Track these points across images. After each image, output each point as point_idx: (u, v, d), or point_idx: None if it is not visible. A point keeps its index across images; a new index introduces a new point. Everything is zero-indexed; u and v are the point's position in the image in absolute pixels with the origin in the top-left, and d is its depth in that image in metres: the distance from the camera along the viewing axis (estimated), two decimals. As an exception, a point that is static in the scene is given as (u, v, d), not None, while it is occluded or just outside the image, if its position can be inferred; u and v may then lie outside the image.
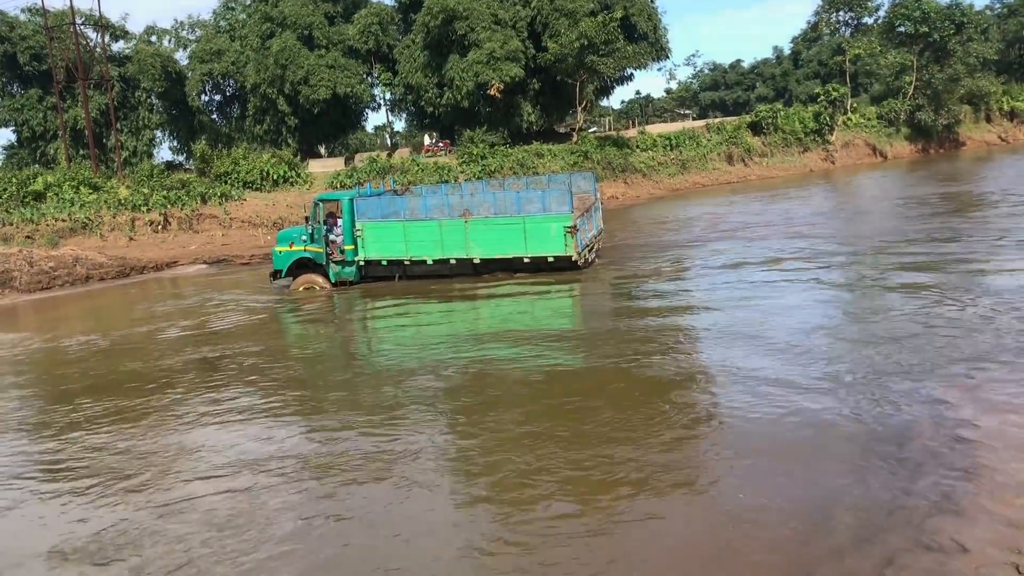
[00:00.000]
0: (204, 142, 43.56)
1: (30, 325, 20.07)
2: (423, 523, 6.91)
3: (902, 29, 55.68)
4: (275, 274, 19.79)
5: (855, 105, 58.45)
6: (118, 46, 54.19)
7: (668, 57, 49.39)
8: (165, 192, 32.30)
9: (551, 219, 17.79)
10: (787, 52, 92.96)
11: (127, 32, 54.77)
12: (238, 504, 7.47)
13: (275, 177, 36.63)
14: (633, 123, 71.34)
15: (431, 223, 18.60)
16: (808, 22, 79.92)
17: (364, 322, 17.14)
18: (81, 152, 47.31)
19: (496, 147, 41.84)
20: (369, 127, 79.31)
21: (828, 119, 52.25)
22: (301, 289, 19.50)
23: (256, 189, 35.73)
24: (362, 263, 19.22)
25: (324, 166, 42.65)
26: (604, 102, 66.73)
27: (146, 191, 32.36)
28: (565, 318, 15.73)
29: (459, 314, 16.42)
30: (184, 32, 57.54)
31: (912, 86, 55.88)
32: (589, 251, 19.05)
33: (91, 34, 48.32)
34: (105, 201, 31.29)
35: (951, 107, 55.78)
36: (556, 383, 10.47)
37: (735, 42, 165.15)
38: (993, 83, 61.46)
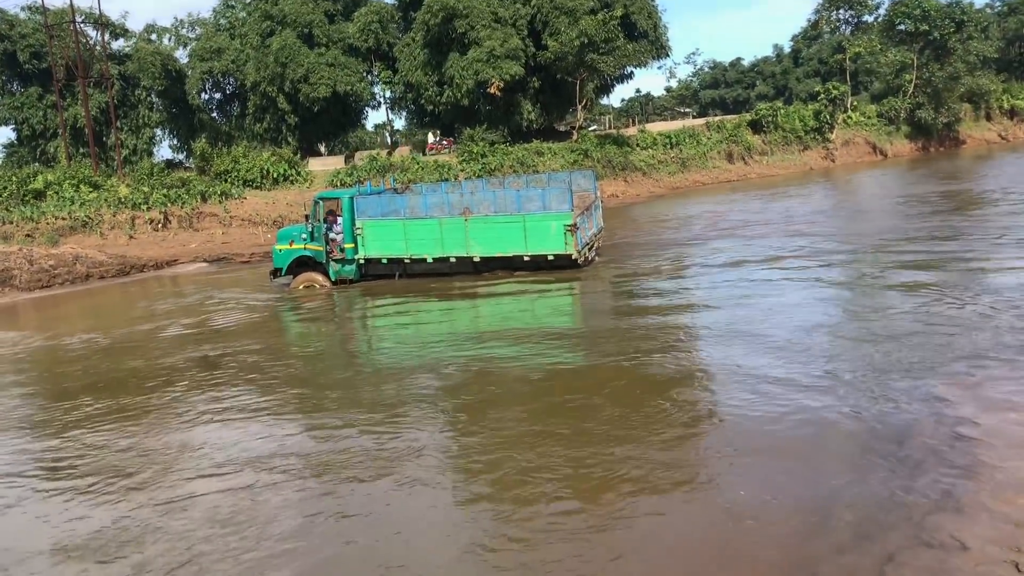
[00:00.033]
0: (204, 140, 43.59)
1: (31, 323, 20.08)
2: (425, 520, 6.93)
3: (902, 27, 55.69)
4: (275, 272, 19.80)
5: (855, 103, 58.48)
6: (118, 44, 54.31)
7: (668, 55, 49.50)
8: (165, 190, 32.29)
9: (551, 217, 17.80)
10: (787, 50, 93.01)
11: (127, 30, 54.81)
12: (240, 502, 7.48)
13: (275, 175, 36.63)
14: (633, 121, 71.41)
15: (431, 221, 18.61)
16: (808, 20, 79.71)
17: (364, 320, 17.15)
18: (81, 150, 47.31)
19: (496, 145, 41.86)
20: (369, 125, 79.49)
21: (828, 117, 52.26)
22: (301, 287, 19.50)
23: (256, 187, 35.73)
24: (362, 261, 19.22)
25: (324, 164, 42.65)
26: (604, 100, 66.76)
27: (146, 189, 32.35)
28: (565, 316, 15.74)
29: (459, 312, 16.43)
30: (184, 30, 57.67)
31: (912, 84, 55.88)
32: (589, 249, 19.05)
33: (91, 32, 48.30)
34: (105, 199, 31.28)
35: (951, 105, 55.80)
36: (557, 381, 10.48)
37: (735, 40, 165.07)
38: (993, 81, 61.50)
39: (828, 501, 6.55)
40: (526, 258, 18.16)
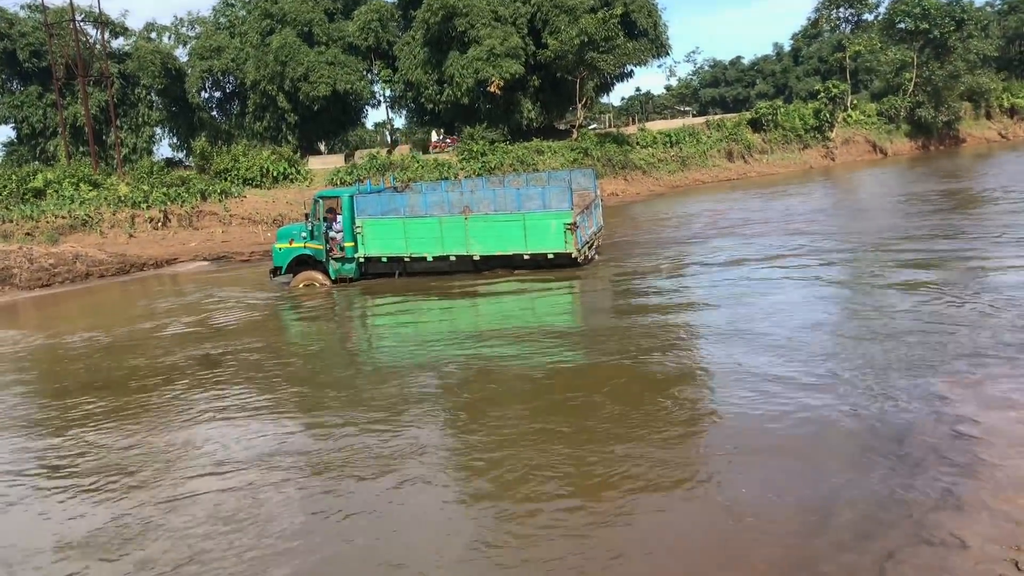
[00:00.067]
0: (204, 139, 43.57)
1: (31, 322, 20.09)
2: (426, 518, 6.94)
3: (902, 25, 55.69)
4: (275, 271, 19.80)
5: (855, 102, 58.47)
6: (118, 43, 54.33)
7: (668, 54, 49.49)
8: (165, 189, 32.28)
9: (551, 216, 17.80)
10: (787, 49, 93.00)
11: (127, 29, 54.86)
12: (241, 500, 7.49)
13: (275, 174, 36.62)
14: (633, 120, 71.41)
15: (431, 220, 18.61)
16: (808, 19, 79.75)
17: (364, 319, 17.15)
18: (81, 149, 47.32)
19: (496, 144, 41.86)
20: (369, 124, 79.53)
21: (828, 116, 52.27)
22: (301, 286, 19.51)
23: (256, 186, 35.72)
24: (362, 260, 19.23)
25: (324, 163, 42.66)
26: (604, 99, 66.73)
27: (146, 188, 32.34)
28: (566, 315, 15.75)
29: (459, 311, 16.44)
30: (184, 29, 57.68)
31: (912, 83, 55.87)
32: (589, 248, 19.06)
33: (91, 31, 48.29)
34: (105, 198, 31.28)
35: (951, 104, 55.81)
36: (557, 379, 10.49)
37: (735, 38, 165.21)
38: (993, 80, 61.49)
39: (828, 499, 6.56)
40: (526, 257, 18.16)
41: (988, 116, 62.30)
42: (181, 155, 56.88)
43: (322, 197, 19.91)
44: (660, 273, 17.88)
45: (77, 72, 40.90)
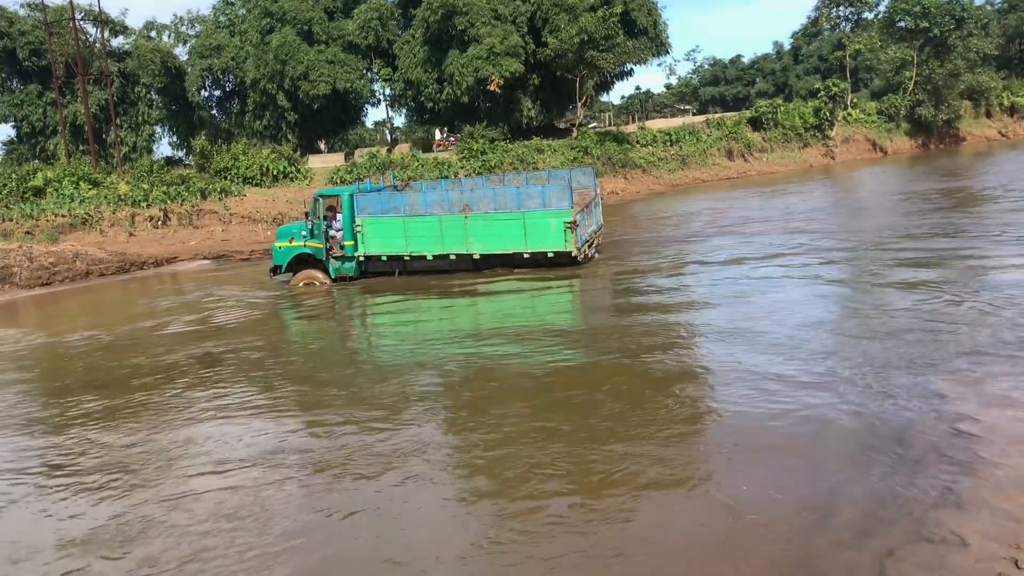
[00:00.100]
0: (204, 137, 43.53)
1: (31, 321, 20.09)
2: (429, 516, 6.95)
3: (902, 24, 55.69)
4: (275, 270, 19.81)
5: (855, 100, 58.45)
6: (118, 41, 54.31)
7: (668, 52, 49.43)
8: (165, 188, 32.29)
9: (551, 215, 17.81)
10: (787, 47, 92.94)
11: (126, 27, 54.81)
12: (243, 498, 7.51)
13: (275, 173, 36.63)
14: (633, 118, 71.39)
15: (431, 219, 18.62)
16: (808, 17, 79.79)
17: (365, 317, 17.16)
18: (81, 148, 47.31)
19: (496, 143, 41.86)
20: (369, 122, 79.43)
21: (828, 114, 52.26)
22: (301, 285, 19.51)
23: (256, 185, 35.72)
24: (362, 258, 19.23)
25: (324, 161, 42.66)
26: (604, 97, 66.76)
27: (146, 187, 32.34)
28: (566, 314, 15.76)
29: (459, 310, 16.45)
30: (184, 27, 57.65)
31: (912, 81, 55.86)
32: (589, 247, 19.07)
33: (91, 29, 48.29)
34: (105, 197, 31.28)
35: (951, 102, 55.80)
36: (558, 378, 10.51)
37: (735, 37, 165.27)
38: (993, 78, 61.50)
39: (829, 497, 6.58)
40: (526, 255, 18.17)
41: (988, 115, 62.31)
42: (181, 154, 56.89)
43: (322, 196, 19.91)
44: (660, 272, 17.89)
45: (77, 71, 40.90)
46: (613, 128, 53.01)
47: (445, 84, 44.21)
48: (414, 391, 10.59)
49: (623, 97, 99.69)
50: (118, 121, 47.10)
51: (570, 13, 42.71)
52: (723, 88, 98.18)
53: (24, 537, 7.24)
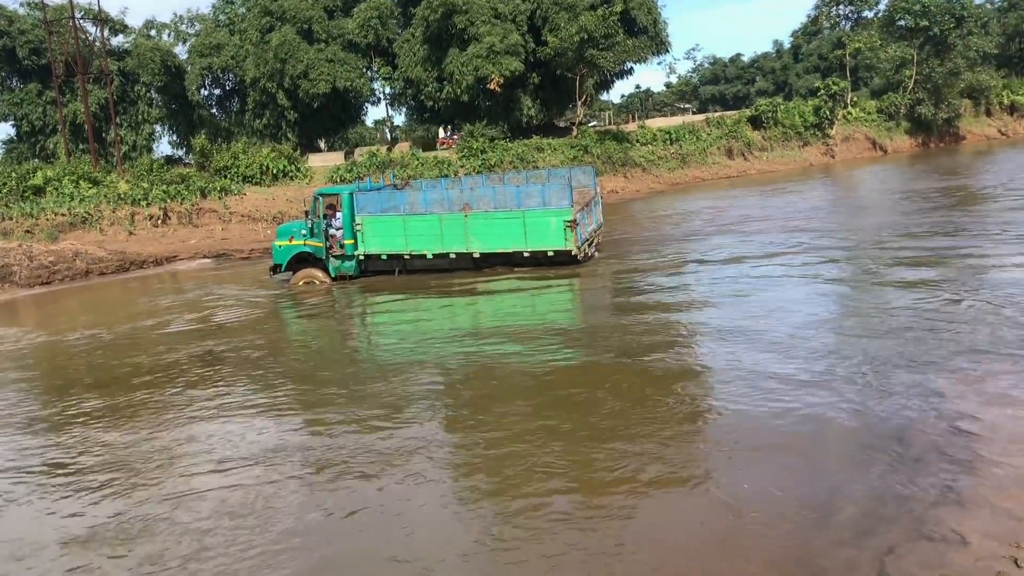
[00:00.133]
0: (204, 136, 43.48)
1: (31, 319, 20.10)
2: (431, 514, 6.97)
3: (902, 23, 55.65)
4: (275, 268, 19.82)
5: (855, 99, 58.42)
6: (117, 40, 54.20)
7: (668, 51, 49.37)
8: (165, 186, 32.29)
9: (551, 213, 17.83)
10: (787, 46, 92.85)
11: (126, 26, 54.71)
12: (245, 496, 7.52)
13: (275, 171, 36.62)
14: (633, 117, 71.36)
15: (431, 217, 18.63)
16: (808, 16, 79.78)
17: (365, 316, 17.17)
18: (80, 146, 47.27)
19: (496, 141, 41.85)
20: (369, 121, 79.29)
21: (828, 113, 52.23)
22: (301, 283, 19.52)
23: (256, 183, 35.72)
24: (362, 257, 19.24)
25: (324, 160, 42.63)
26: (604, 96, 66.74)
27: (146, 185, 32.34)
28: (566, 312, 15.77)
29: (459, 309, 16.46)
30: (183, 26, 57.56)
31: (912, 80, 55.85)
32: (589, 245, 19.08)
33: (90, 28, 48.23)
34: (105, 195, 31.28)
35: (951, 101, 55.79)
36: (559, 376, 10.52)
37: (735, 36, 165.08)
38: (993, 77, 61.49)
39: (829, 495, 6.59)
40: (526, 254, 18.18)
41: (988, 113, 62.30)
42: (181, 152, 56.83)
43: (322, 194, 19.92)
44: (660, 270, 17.90)
45: (77, 69, 40.86)
46: (613, 127, 52.97)
47: (445, 83, 44.19)
48: (415, 390, 10.61)
49: (623, 96, 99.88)
50: (118, 120, 47.05)
51: (570, 12, 42.70)
52: (723, 87, 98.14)
53: (26, 535, 7.26)
